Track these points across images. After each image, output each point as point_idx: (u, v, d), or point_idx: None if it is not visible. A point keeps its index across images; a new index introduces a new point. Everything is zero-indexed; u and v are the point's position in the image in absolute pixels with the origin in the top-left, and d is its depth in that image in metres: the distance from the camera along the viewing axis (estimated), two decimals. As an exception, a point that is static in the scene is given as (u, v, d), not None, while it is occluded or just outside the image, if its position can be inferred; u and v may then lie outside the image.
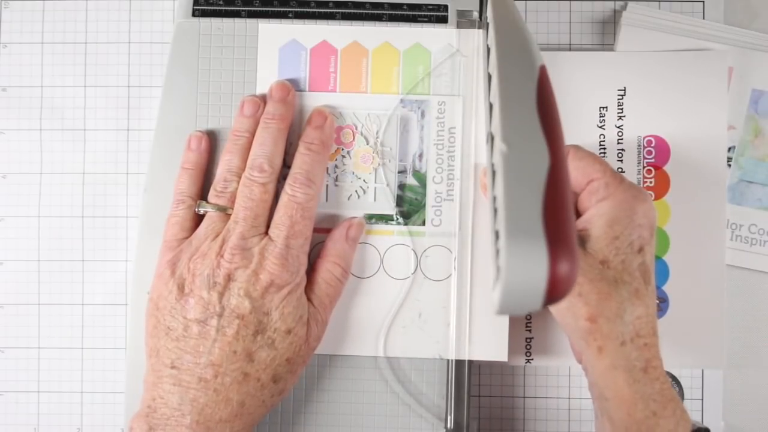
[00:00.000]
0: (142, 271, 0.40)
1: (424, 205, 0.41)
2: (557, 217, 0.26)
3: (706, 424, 0.44)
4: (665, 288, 0.44)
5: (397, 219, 0.41)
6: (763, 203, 0.45)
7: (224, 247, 0.36)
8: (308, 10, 0.42)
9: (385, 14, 0.42)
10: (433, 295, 0.41)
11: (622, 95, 0.44)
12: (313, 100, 0.41)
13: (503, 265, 0.25)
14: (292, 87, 0.41)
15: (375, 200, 0.41)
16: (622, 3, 0.45)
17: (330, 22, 0.41)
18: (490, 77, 0.35)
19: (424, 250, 0.41)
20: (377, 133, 0.41)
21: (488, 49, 0.37)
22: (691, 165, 0.44)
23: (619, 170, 0.44)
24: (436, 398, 0.40)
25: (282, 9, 0.42)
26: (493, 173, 0.30)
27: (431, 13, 0.42)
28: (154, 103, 0.45)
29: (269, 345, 0.35)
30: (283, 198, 0.38)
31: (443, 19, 0.42)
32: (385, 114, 0.41)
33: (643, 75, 0.44)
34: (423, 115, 0.41)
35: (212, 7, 0.42)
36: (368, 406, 0.40)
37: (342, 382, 0.41)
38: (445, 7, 0.42)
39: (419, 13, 0.42)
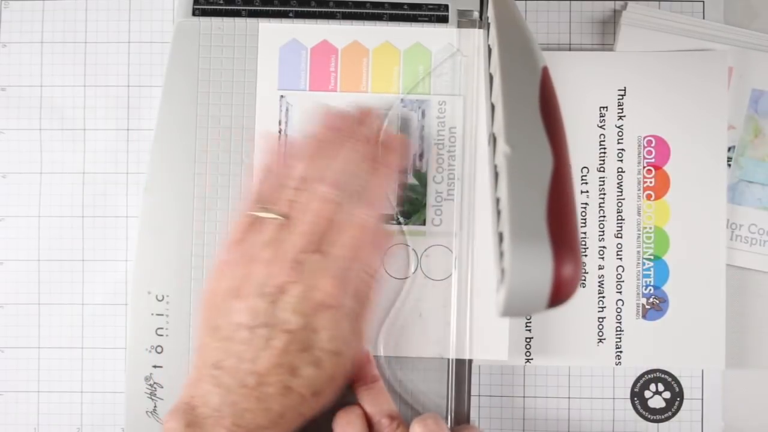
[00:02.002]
0: (142, 271, 0.40)
1: (425, 204, 0.41)
2: (561, 219, 0.26)
3: (706, 424, 0.44)
4: (665, 288, 0.44)
5: (398, 219, 0.41)
6: (762, 203, 0.45)
7: (281, 258, 0.35)
8: (308, 9, 0.42)
9: (386, 14, 0.42)
10: (433, 295, 0.41)
11: (622, 95, 0.44)
12: (314, 99, 0.41)
13: (508, 268, 0.25)
14: (381, 114, 0.40)
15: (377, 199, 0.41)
16: (622, 3, 0.46)
17: (330, 21, 0.41)
18: (491, 77, 0.35)
19: (425, 250, 0.41)
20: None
21: (489, 50, 0.37)
22: (691, 165, 0.44)
23: (619, 170, 0.44)
24: (436, 398, 0.40)
25: (282, 8, 0.42)
26: (495, 175, 0.30)
27: (431, 13, 0.42)
28: (154, 103, 0.45)
29: (315, 363, 0.34)
30: (346, 218, 0.36)
31: (444, 19, 0.42)
32: (386, 113, 0.41)
33: (643, 75, 0.44)
34: (423, 114, 0.41)
35: (212, 7, 0.42)
36: (368, 405, 0.40)
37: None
38: (446, 7, 0.42)
39: (419, 12, 0.42)
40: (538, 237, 0.25)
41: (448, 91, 0.41)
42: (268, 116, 0.41)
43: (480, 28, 0.41)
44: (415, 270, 0.41)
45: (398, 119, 0.41)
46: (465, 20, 0.42)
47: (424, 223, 0.41)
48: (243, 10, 0.42)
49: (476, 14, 0.42)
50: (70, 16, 0.46)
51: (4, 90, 0.46)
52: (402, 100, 0.41)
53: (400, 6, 0.42)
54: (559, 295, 0.25)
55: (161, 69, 0.45)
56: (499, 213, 0.28)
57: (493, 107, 0.33)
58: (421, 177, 0.41)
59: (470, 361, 0.40)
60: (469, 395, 0.40)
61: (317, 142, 0.38)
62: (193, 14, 0.42)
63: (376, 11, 0.42)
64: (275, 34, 0.41)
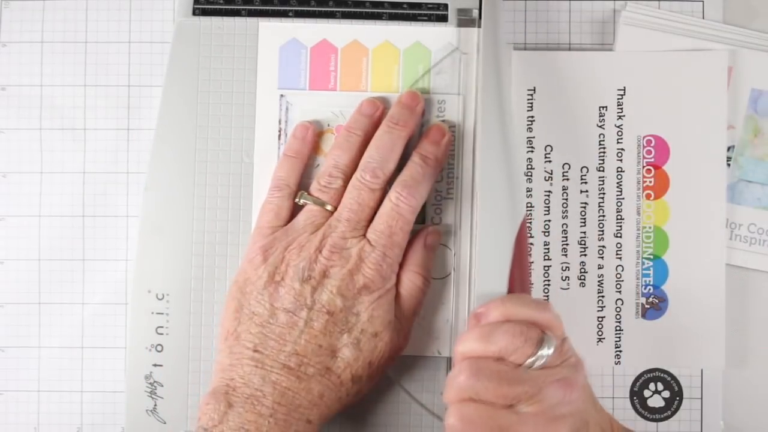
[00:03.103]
0: (142, 270, 0.40)
1: (425, 203, 0.41)
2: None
3: (705, 423, 0.44)
4: (664, 287, 0.44)
5: None
6: (762, 203, 0.45)
7: (324, 243, 0.37)
8: (308, 8, 0.42)
9: (386, 13, 0.42)
10: (432, 293, 0.41)
11: (621, 95, 0.44)
12: (314, 98, 0.41)
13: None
14: (422, 98, 0.41)
15: None
16: (622, 3, 0.46)
17: (330, 20, 0.41)
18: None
19: None
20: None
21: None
22: (690, 165, 0.44)
23: (619, 170, 0.44)
24: (436, 396, 0.40)
25: (282, 8, 0.42)
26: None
27: (431, 12, 0.42)
28: (154, 103, 0.45)
29: (354, 345, 0.36)
30: (387, 205, 0.38)
31: (443, 18, 0.42)
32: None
33: (642, 75, 0.44)
34: (423, 113, 0.41)
35: (213, 6, 0.42)
36: (368, 403, 0.40)
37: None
38: (445, 6, 0.42)
39: (419, 12, 0.42)
40: None
41: (447, 90, 0.41)
42: (268, 115, 0.41)
43: (478, 27, 0.41)
44: None
45: None
46: (464, 19, 0.42)
47: (423, 222, 0.41)
48: (243, 9, 0.42)
49: (475, 13, 0.42)
50: (70, 16, 0.46)
51: (4, 90, 0.46)
52: None
53: (399, 5, 0.42)
54: None
55: (161, 69, 0.45)
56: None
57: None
58: None
59: (470, 360, 0.40)
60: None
61: (351, 130, 0.39)
62: (193, 14, 0.42)
63: (375, 11, 0.42)
64: (275, 34, 0.41)
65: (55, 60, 0.46)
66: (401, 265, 0.39)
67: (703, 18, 0.45)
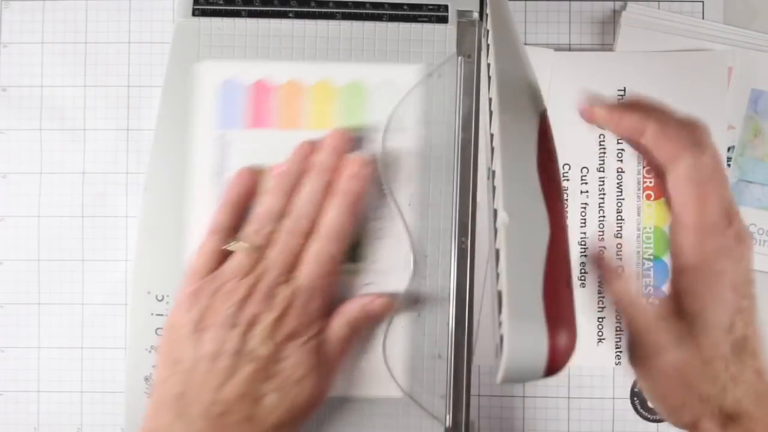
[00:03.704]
0: (141, 271, 0.40)
1: (360, 242, 0.41)
2: (557, 293, 0.27)
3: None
4: (665, 288, 0.44)
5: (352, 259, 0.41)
6: (762, 203, 0.45)
7: (252, 290, 0.36)
8: (308, 9, 0.42)
9: (386, 14, 0.42)
10: (432, 295, 0.41)
11: (622, 95, 0.44)
12: (253, 137, 0.41)
13: (506, 340, 0.26)
14: (350, 136, 0.40)
15: None
16: (621, 3, 0.46)
17: (269, 61, 0.41)
18: (491, 101, 0.35)
19: (362, 287, 0.40)
20: None
21: (489, 78, 0.37)
22: None
23: (619, 170, 0.44)
24: (436, 398, 0.40)
25: (282, 9, 0.42)
26: (495, 230, 0.31)
27: (431, 13, 0.42)
28: (153, 103, 0.45)
29: (278, 391, 0.35)
30: (314, 248, 0.37)
31: (443, 19, 0.42)
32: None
33: (643, 75, 0.44)
34: (360, 151, 0.41)
35: (212, 7, 0.42)
36: (368, 404, 0.40)
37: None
38: (446, 7, 0.42)
39: (419, 12, 0.42)
40: (534, 314, 0.26)
41: (387, 128, 0.41)
42: (206, 155, 0.41)
43: (479, 29, 0.41)
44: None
45: None
46: (465, 20, 0.42)
47: (358, 261, 0.41)
48: (243, 10, 0.42)
49: (476, 14, 0.42)
50: (70, 16, 0.46)
51: (4, 90, 0.46)
52: None
53: (399, 6, 0.42)
54: (554, 365, 0.27)
55: (161, 69, 0.45)
56: (498, 276, 0.29)
57: (493, 149, 0.34)
58: None
59: (470, 361, 0.40)
60: (469, 395, 0.40)
61: (285, 175, 0.39)
62: (193, 14, 0.42)
63: (375, 11, 0.42)
64: (213, 72, 0.41)
65: (55, 60, 0.46)
66: (338, 311, 0.38)
67: (703, 18, 0.45)
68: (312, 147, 0.40)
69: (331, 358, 0.38)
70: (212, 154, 0.41)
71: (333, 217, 0.38)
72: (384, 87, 0.41)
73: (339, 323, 0.38)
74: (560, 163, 0.43)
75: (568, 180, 0.44)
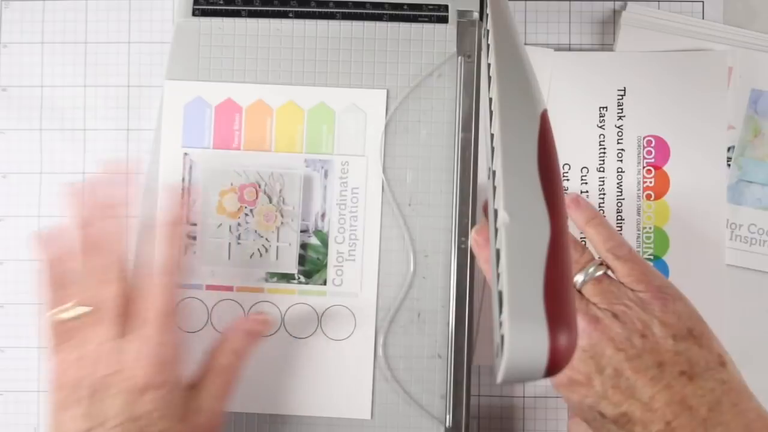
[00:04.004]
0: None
1: (326, 264, 0.41)
2: (557, 292, 0.27)
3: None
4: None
5: (299, 278, 0.41)
6: (762, 203, 0.45)
7: (92, 352, 0.34)
8: (309, 9, 0.42)
9: (386, 14, 0.42)
10: (432, 295, 0.41)
11: (622, 95, 0.44)
12: (218, 157, 0.41)
13: (506, 339, 0.26)
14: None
15: (277, 259, 0.41)
16: (622, 3, 0.46)
17: (237, 82, 0.41)
18: (491, 101, 0.35)
19: (325, 310, 0.41)
20: (280, 191, 0.41)
21: (489, 77, 0.37)
22: (690, 165, 0.44)
23: (619, 170, 0.44)
24: (436, 398, 0.40)
25: (282, 9, 0.42)
26: (495, 230, 0.31)
27: (431, 13, 0.42)
28: (153, 103, 0.45)
29: None
30: (152, 289, 0.35)
31: (443, 19, 0.42)
32: (289, 173, 0.41)
33: (643, 75, 0.44)
34: (326, 174, 0.41)
35: (212, 7, 0.42)
36: (367, 404, 0.40)
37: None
38: (446, 7, 0.42)
39: (419, 13, 0.42)
40: (534, 314, 0.26)
41: (351, 152, 0.41)
42: (171, 174, 0.41)
43: (479, 29, 0.41)
44: (316, 329, 0.41)
45: (301, 180, 0.41)
46: (465, 20, 0.42)
47: (324, 283, 0.41)
48: (243, 10, 0.42)
49: (476, 15, 0.42)
50: (70, 16, 0.46)
51: (4, 90, 0.46)
52: (305, 159, 0.41)
53: (400, 6, 0.42)
54: (555, 365, 0.27)
55: (161, 69, 0.45)
56: (498, 275, 0.29)
57: (493, 149, 0.34)
58: (323, 237, 0.41)
59: (470, 361, 0.40)
60: (469, 395, 0.40)
61: (84, 228, 0.37)
62: (193, 14, 0.42)
63: (376, 12, 0.42)
64: (180, 92, 0.41)
65: (55, 60, 0.46)
66: (217, 343, 0.37)
67: (703, 18, 0.45)
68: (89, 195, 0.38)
69: (214, 392, 0.36)
70: (177, 172, 0.41)
71: (168, 255, 0.36)
72: (349, 110, 0.41)
73: (221, 353, 0.37)
74: (560, 163, 0.44)
75: (568, 180, 0.44)
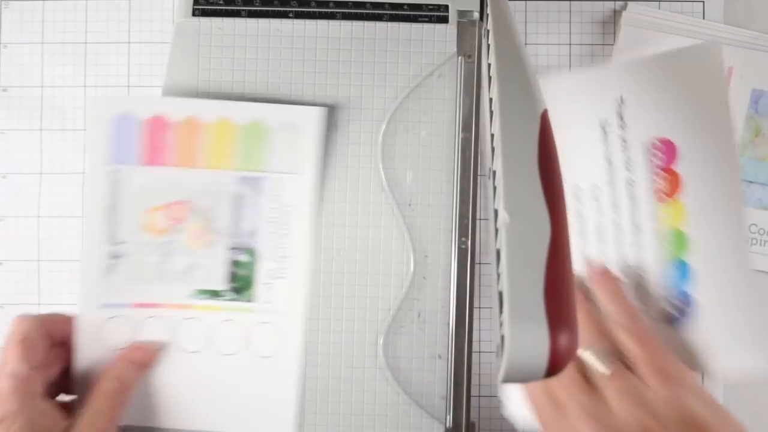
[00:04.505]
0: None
1: (255, 281, 0.41)
2: (558, 293, 0.27)
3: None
4: (689, 290, 0.43)
5: (227, 295, 0.41)
6: (763, 203, 0.45)
7: None
8: (309, 9, 0.42)
9: (386, 14, 0.42)
10: (432, 295, 0.41)
11: (621, 105, 0.44)
12: (147, 174, 0.40)
13: (507, 344, 0.26)
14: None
15: (206, 276, 0.40)
16: (622, 3, 0.46)
17: (167, 97, 0.41)
18: (491, 101, 0.35)
19: (252, 327, 0.40)
20: (210, 209, 0.40)
21: (489, 78, 0.37)
22: (701, 159, 0.43)
23: (629, 181, 0.44)
24: (436, 398, 0.40)
25: (282, 9, 0.42)
26: (496, 230, 0.31)
27: (432, 13, 0.42)
28: (154, 103, 0.45)
29: None
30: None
31: (444, 19, 0.42)
32: (219, 190, 0.40)
33: (639, 82, 0.44)
34: (258, 192, 0.41)
35: (212, 7, 0.42)
36: (368, 406, 0.40)
37: (342, 382, 0.41)
38: (446, 7, 0.42)
39: (420, 13, 0.42)
40: (535, 314, 0.27)
41: (283, 169, 0.41)
42: (95, 190, 0.40)
43: (479, 29, 0.41)
44: (242, 347, 0.40)
45: (232, 196, 0.40)
46: (465, 20, 0.42)
47: (253, 300, 0.41)
48: (243, 10, 0.42)
49: (476, 14, 0.42)
50: (70, 16, 0.46)
51: (4, 90, 0.46)
52: (236, 176, 0.40)
53: (400, 6, 0.42)
54: (555, 365, 0.27)
55: (161, 69, 0.45)
56: (498, 275, 0.29)
57: (493, 149, 0.34)
58: (253, 254, 0.41)
59: (470, 361, 0.40)
60: (469, 395, 0.40)
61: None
62: (193, 14, 0.42)
63: (376, 12, 0.42)
64: (107, 106, 0.40)
65: (55, 60, 0.46)
66: (107, 367, 0.38)
67: (703, 18, 0.45)
68: None
69: (99, 412, 0.37)
70: (102, 189, 0.40)
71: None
72: (283, 128, 0.41)
73: (105, 379, 0.38)
74: (570, 183, 0.43)
75: (579, 201, 0.44)
